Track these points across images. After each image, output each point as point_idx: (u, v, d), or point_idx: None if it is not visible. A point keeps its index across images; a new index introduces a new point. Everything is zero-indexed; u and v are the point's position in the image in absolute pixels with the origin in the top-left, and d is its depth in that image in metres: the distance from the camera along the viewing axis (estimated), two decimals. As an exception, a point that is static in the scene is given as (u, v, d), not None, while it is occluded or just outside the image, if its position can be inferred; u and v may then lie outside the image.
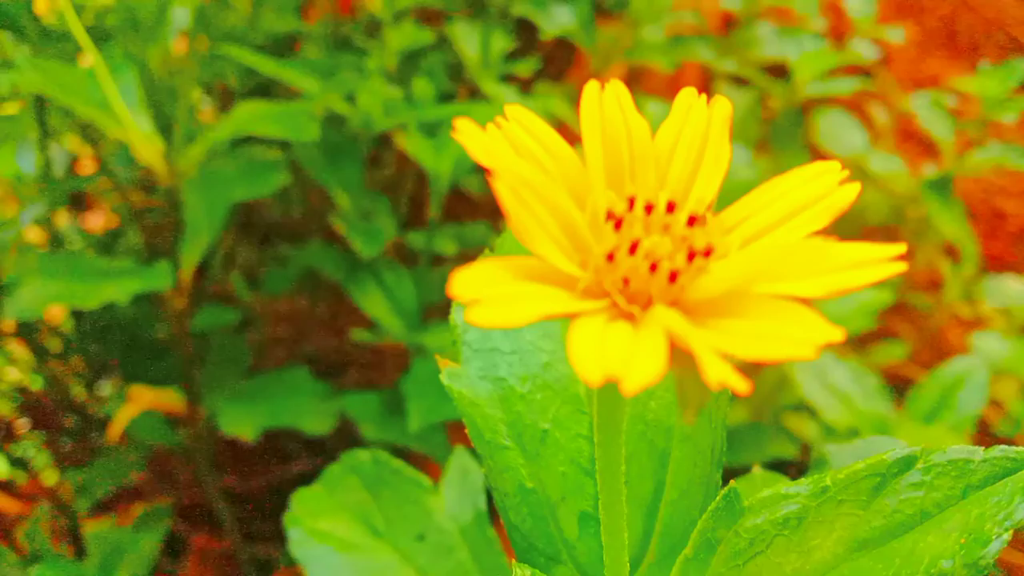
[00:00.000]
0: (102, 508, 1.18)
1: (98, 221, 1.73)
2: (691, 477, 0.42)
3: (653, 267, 0.27)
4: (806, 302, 0.26)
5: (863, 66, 1.59)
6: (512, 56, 1.39)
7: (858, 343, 1.31)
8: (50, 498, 1.15)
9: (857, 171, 1.40)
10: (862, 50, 1.47)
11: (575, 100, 1.37)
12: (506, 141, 0.30)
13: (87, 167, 1.58)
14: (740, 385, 0.22)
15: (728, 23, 1.58)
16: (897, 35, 1.45)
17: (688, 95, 0.32)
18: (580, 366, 0.22)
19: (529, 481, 0.43)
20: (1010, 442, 1.14)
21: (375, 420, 1.10)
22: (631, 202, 0.29)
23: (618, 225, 0.28)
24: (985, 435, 1.27)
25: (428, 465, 1.20)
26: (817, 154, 1.45)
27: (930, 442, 0.98)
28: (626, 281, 0.27)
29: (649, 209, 0.29)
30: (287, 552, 1.28)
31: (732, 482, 0.37)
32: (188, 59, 1.06)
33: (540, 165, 0.30)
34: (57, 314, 1.41)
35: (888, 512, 0.35)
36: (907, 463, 0.36)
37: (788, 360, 0.23)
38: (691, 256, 0.27)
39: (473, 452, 0.64)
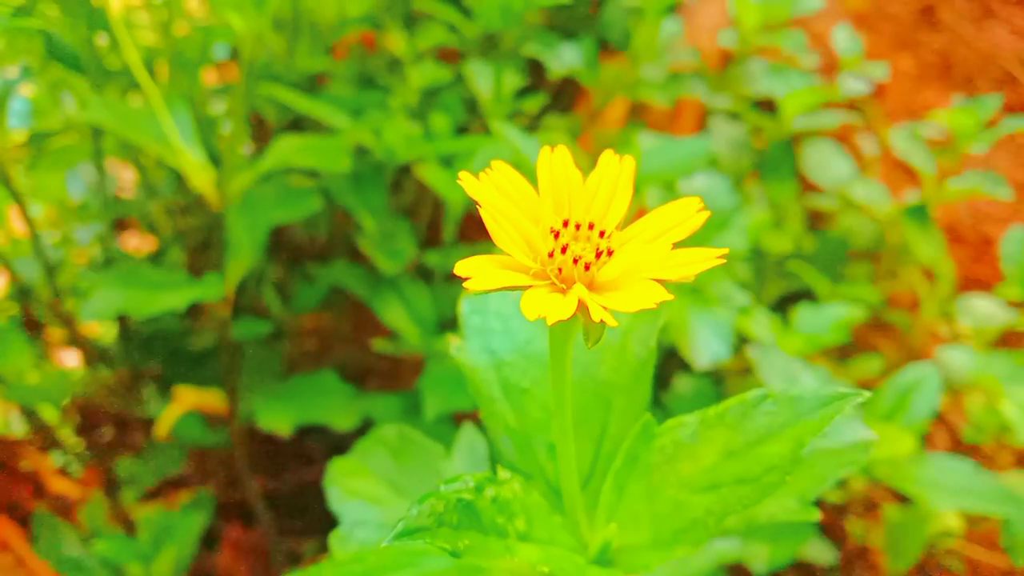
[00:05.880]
0: (149, 497, 1.40)
1: (135, 241, 1.96)
2: (627, 418, 0.63)
3: (575, 261, 0.48)
4: (662, 283, 0.47)
5: (854, 99, 1.80)
6: (523, 92, 1.62)
7: (839, 357, 1.51)
8: (104, 486, 1.37)
9: (842, 199, 1.61)
10: (852, 85, 1.68)
11: (577, 134, 1.60)
12: (491, 183, 0.52)
13: (126, 192, 1.82)
14: (611, 321, 0.44)
15: (726, 60, 1.81)
16: (882, 71, 1.66)
17: (608, 156, 0.54)
18: (524, 310, 0.44)
19: (513, 423, 0.65)
20: (977, 450, 1.34)
21: (395, 419, 1.32)
22: (565, 222, 0.50)
23: (556, 236, 0.50)
24: (955, 442, 1.46)
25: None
26: (806, 183, 1.66)
27: (886, 439, 1.19)
28: (559, 269, 0.49)
29: (577, 227, 0.51)
30: (314, 545, 1.51)
31: (646, 414, 0.59)
32: (236, 97, 1.28)
33: (511, 199, 0.52)
34: (96, 328, 1.64)
35: (749, 431, 0.56)
36: (762, 399, 0.57)
37: (639, 310, 0.44)
38: (598, 255, 0.49)
39: (478, 427, 0.86)
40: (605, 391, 0.64)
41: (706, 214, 0.51)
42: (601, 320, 0.44)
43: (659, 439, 0.58)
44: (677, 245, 0.50)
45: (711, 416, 0.57)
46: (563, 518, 0.59)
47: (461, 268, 0.46)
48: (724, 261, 0.48)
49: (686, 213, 0.51)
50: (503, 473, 0.58)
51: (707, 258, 0.48)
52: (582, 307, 0.46)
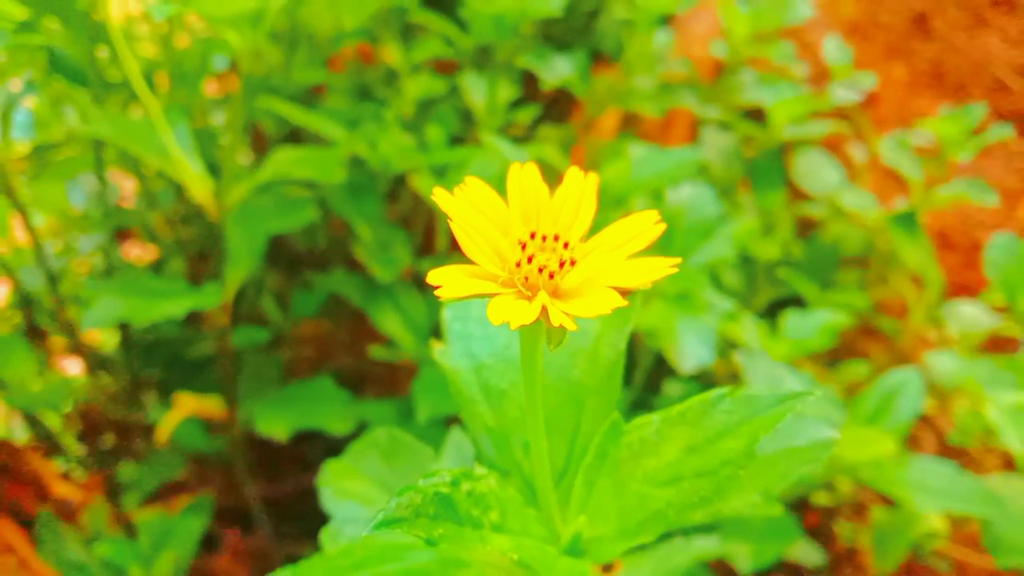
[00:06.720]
0: (150, 501, 1.45)
1: (136, 250, 2.02)
2: (598, 417, 0.67)
3: (540, 270, 0.53)
4: (622, 290, 0.52)
5: (846, 107, 1.85)
6: (517, 103, 1.67)
7: (829, 362, 1.55)
8: (106, 491, 1.42)
9: (831, 207, 1.65)
10: (841, 94, 1.73)
11: (569, 145, 1.65)
12: (465, 198, 0.57)
13: (128, 202, 1.87)
14: (570, 325, 0.48)
15: (720, 69, 1.85)
16: (871, 81, 1.71)
17: (574, 173, 0.59)
18: (490, 315, 0.49)
19: (492, 422, 0.69)
20: (963, 452, 1.38)
21: (390, 424, 1.36)
22: (532, 234, 0.55)
23: (523, 246, 0.54)
24: (942, 446, 1.50)
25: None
26: (796, 191, 1.70)
27: (868, 441, 1.23)
28: (526, 278, 0.53)
29: (544, 238, 0.55)
30: (312, 549, 1.56)
31: (615, 413, 0.63)
32: (234, 109, 1.34)
33: (483, 212, 0.56)
34: (98, 336, 1.69)
35: (708, 428, 0.61)
36: (721, 398, 0.61)
37: (597, 315, 0.49)
38: (561, 264, 0.53)
39: (464, 430, 0.90)
40: (578, 392, 0.69)
41: (663, 226, 0.56)
42: (560, 324, 0.49)
43: (627, 436, 0.63)
44: (641, 254, 0.55)
45: (674, 415, 0.62)
46: (537, 511, 0.64)
47: (433, 276, 0.50)
48: (677, 269, 0.52)
49: (644, 225, 0.56)
50: (479, 469, 0.63)
51: (662, 266, 0.52)
52: (545, 312, 0.51)
